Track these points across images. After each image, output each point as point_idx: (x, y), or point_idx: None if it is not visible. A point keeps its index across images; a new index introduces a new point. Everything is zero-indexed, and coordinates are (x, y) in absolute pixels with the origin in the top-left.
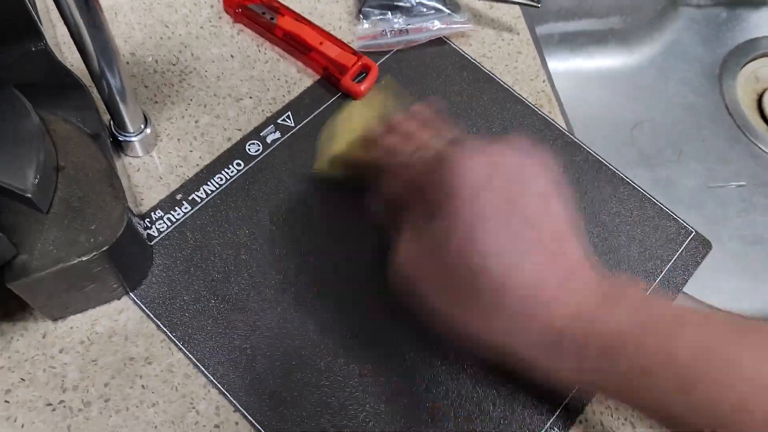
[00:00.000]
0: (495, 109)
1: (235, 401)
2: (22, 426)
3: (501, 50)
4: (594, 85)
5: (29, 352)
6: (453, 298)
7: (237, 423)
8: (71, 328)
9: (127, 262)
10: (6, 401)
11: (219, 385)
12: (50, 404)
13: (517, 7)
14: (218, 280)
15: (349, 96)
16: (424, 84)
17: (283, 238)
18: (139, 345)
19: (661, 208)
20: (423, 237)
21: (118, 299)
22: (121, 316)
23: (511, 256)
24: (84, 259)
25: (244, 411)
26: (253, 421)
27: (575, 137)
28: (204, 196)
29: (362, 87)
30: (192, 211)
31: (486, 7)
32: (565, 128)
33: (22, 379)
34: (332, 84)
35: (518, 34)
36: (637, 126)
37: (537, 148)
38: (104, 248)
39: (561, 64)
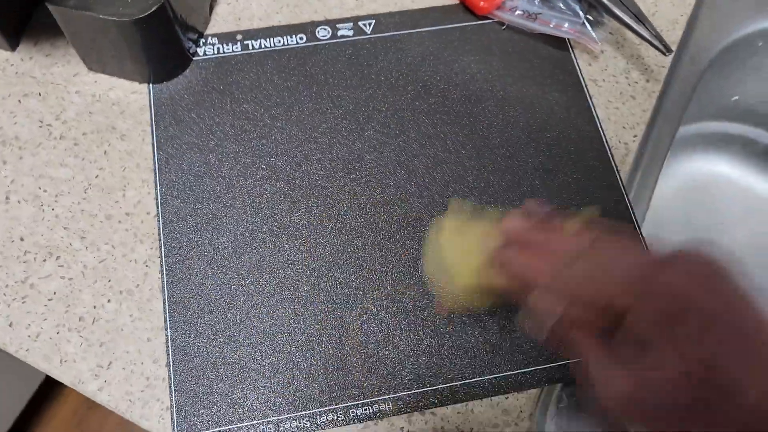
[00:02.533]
0: (564, 130)
1: (160, 216)
2: (15, 123)
3: (616, 85)
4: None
5: (57, 79)
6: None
7: (142, 222)
8: (95, 81)
9: (155, 49)
10: (19, 101)
11: (159, 197)
12: (42, 122)
13: (668, 59)
14: (225, 132)
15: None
16: (510, 65)
17: (301, 123)
18: (126, 122)
19: None
20: (642, 363)
21: (140, 83)
22: (132, 96)
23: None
24: (109, 18)
25: (161, 225)
26: (161, 233)
27: (635, 217)
28: (257, 47)
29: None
30: (239, 53)
31: (636, 41)
32: (625, 193)
33: (40, 93)
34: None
35: (647, 82)
36: None
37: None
38: (128, 18)
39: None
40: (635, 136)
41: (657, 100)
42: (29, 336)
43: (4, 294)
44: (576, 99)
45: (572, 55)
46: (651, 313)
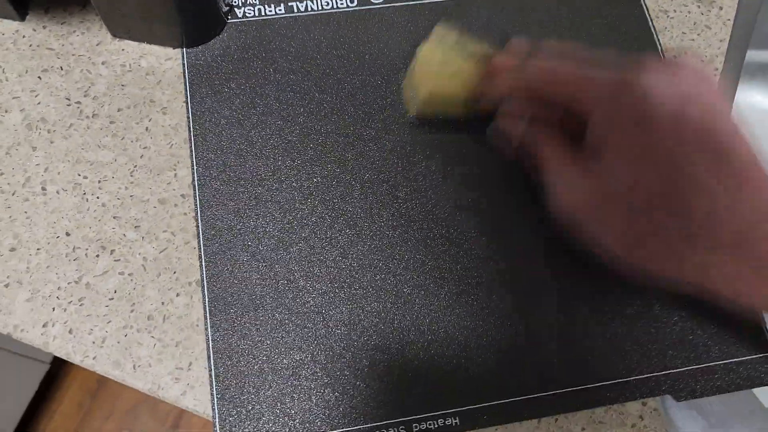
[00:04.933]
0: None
1: (197, 200)
2: (38, 103)
3: (689, 16)
4: None
5: (79, 50)
6: (641, 236)
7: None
8: (122, 50)
9: (189, 10)
10: (39, 77)
11: (196, 178)
12: (69, 99)
13: None
14: (268, 105)
15: None
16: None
17: (353, 98)
18: (165, 94)
19: None
20: (597, 171)
21: (173, 48)
22: (166, 63)
23: (721, 188)
24: None
25: (198, 210)
26: (199, 219)
27: None
28: (303, 9)
29: None
30: (283, 16)
31: None
32: None
33: (62, 67)
34: None
35: (720, 8)
36: None
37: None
38: None
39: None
40: (716, 69)
41: (732, 30)
42: (94, 342)
43: (58, 298)
44: (637, 36)
45: None
46: (613, 115)
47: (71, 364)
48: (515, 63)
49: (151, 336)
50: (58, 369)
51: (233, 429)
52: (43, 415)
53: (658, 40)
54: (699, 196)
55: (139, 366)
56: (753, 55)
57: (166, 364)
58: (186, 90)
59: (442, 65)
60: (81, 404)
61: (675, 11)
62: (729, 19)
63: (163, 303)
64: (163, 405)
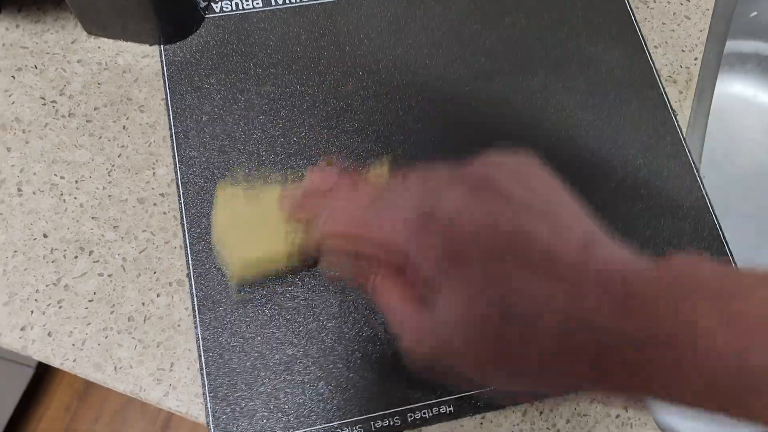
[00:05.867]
0: (610, 63)
1: (181, 198)
2: (12, 103)
3: (669, 6)
4: None
5: (54, 48)
6: (500, 361)
7: (167, 197)
8: (98, 47)
9: (165, 6)
10: (12, 77)
11: (179, 176)
12: (43, 98)
13: None
14: (250, 100)
15: None
16: None
17: (335, 90)
18: (143, 91)
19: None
20: (431, 303)
21: (149, 45)
22: (143, 60)
23: (556, 291)
24: None
25: (183, 208)
26: (184, 217)
27: (690, 154)
28: (281, 2)
29: None
30: (261, 10)
31: None
32: (683, 132)
33: (36, 66)
34: None
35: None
36: None
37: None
38: None
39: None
40: (695, 58)
41: (711, 20)
42: (74, 345)
43: (36, 300)
44: (620, 26)
45: None
46: (431, 254)
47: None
48: (314, 204)
49: (131, 337)
50: (44, 372)
51: (227, 426)
52: (30, 418)
53: (639, 30)
54: (540, 314)
55: (120, 368)
56: (732, 46)
57: (148, 365)
58: (165, 87)
59: (242, 228)
60: (68, 407)
61: (655, 2)
62: (708, 9)
63: (143, 304)
64: (152, 406)
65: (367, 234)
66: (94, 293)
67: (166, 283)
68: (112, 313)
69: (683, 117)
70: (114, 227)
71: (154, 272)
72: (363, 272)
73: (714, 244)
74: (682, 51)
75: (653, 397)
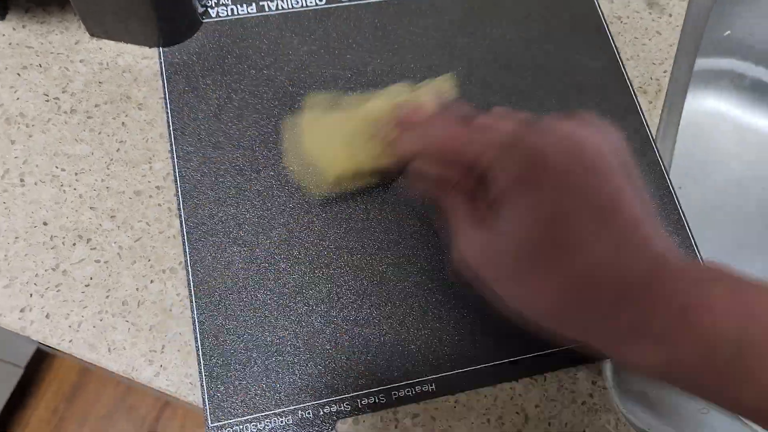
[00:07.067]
0: (583, 71)
1: (179, 191)
2: (17, 99)
3: (641, 21)
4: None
5: (58, 49)
6: (529, 290)
7: (175, 194)
8: (100, 48)
9: (165, 11)
10: (18, 74)
11: (177, 170)
12: (47, 95)
13: None
14: (244, 99)
15: None
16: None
17: (324, 90)
18: (141, 90)
19: None
20: (492, 225)
21: (149, 47)
22: (143, 62)
23: (600, 247)
24: None
25: (180, 200)
26: (182, 208)
27: (661, 159)
28: (274, 8)
29: None
30: (255, 15)
31: None
32: (653, 135)
33: (40, 65)
34: None
35: (670, 15)
36: None
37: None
38: None
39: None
40: (665, 71)
41: (680, 34)
42: (70, 326)
43: (36, 284)
44: (594, 35)
45: None
46: (506, 172)
47: (46, 368)
48: (416, 126)
49: (125, 321)
50: (32, 374)
51: (222, 404)
52: (18, 421)
53: (614, 43)
54: (579, 252)
55: (114, 349)
56: (706, 63)
57: (140, 347)
58: (164, 87)
59: (331, 137)
60: (56, 410)
61: (628, 17)
62: (678, 26)
63: (137, 289)
64: (139, 410)
65: (459, 148)
66: (91, 278)
67: (160, 270)
68: (107, 297)
69: (653, 125)
70: (111, 217)
71: (149, 260)
72: (439, 189)
73: (688, 253)
74: (653, 64)
75: (649, 361)
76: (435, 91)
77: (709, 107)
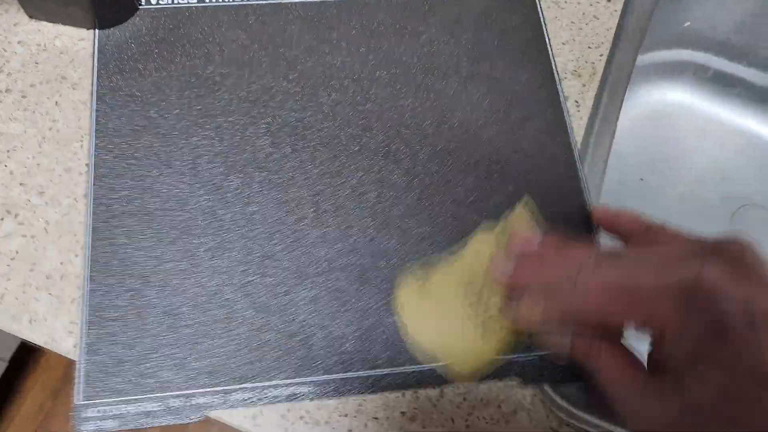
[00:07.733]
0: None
1: (92, 171)
2: None
3: (579, 6)
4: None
5: None
6: None
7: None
8: (38, 30)
9: None
10: None
11: (93, 151)
12: None
13: None
14: (170, 86)
15: None
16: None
17: (252, 84)
18: (77, 72)
19: None
20: (663, 391)
21: (86, 29)
22: (80, 44)
23: None
24: None
25: (92, 180)
26: (92, 188)
27: (576, 156)
28: (214, 0)
29: None
30: (194, 5)
31: None
32: (571, 131)
33: None
34: None
35: (609, 1)
36: (741, 209)
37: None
38: None
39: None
40: (601, 55)
41: (619, 19)
42: None
43: None
44: (525, 16)
45: None
46: (694, 330)
47: (32, 364)
48: (538, 260)
49: (48, 293)
50: (17, 370)
51: (95, 384)
52: (3, 417)
53: (546, 29)
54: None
55: (35, 321)
56: (667, 55)
57: (62, 319)
58: (93, 68)
59: (445, 319)
60: (42, 406)
61: (566, 2)
62: (616, 10)
63: (62, 263)
64: None
65: (627, 306)
66: (17, 252)
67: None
68: (32, 270)
69: (585, 108)
70: (40, 193)
71: (75, 235)
72: (586, 348)
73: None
74: (589, 48)
75: None
76: (519, 225)
77: (672, 99)
